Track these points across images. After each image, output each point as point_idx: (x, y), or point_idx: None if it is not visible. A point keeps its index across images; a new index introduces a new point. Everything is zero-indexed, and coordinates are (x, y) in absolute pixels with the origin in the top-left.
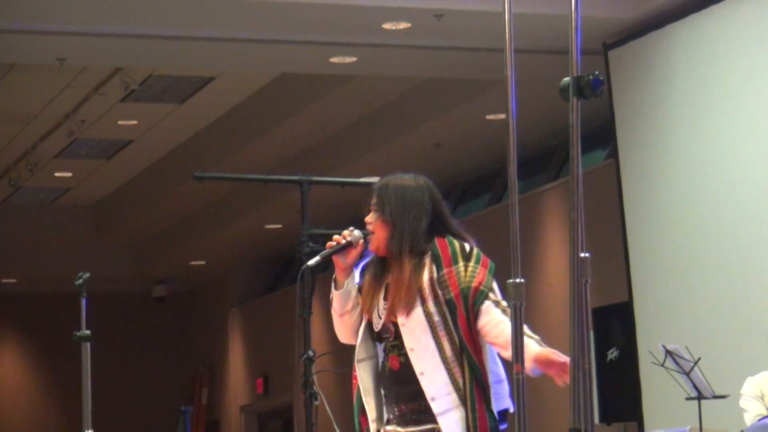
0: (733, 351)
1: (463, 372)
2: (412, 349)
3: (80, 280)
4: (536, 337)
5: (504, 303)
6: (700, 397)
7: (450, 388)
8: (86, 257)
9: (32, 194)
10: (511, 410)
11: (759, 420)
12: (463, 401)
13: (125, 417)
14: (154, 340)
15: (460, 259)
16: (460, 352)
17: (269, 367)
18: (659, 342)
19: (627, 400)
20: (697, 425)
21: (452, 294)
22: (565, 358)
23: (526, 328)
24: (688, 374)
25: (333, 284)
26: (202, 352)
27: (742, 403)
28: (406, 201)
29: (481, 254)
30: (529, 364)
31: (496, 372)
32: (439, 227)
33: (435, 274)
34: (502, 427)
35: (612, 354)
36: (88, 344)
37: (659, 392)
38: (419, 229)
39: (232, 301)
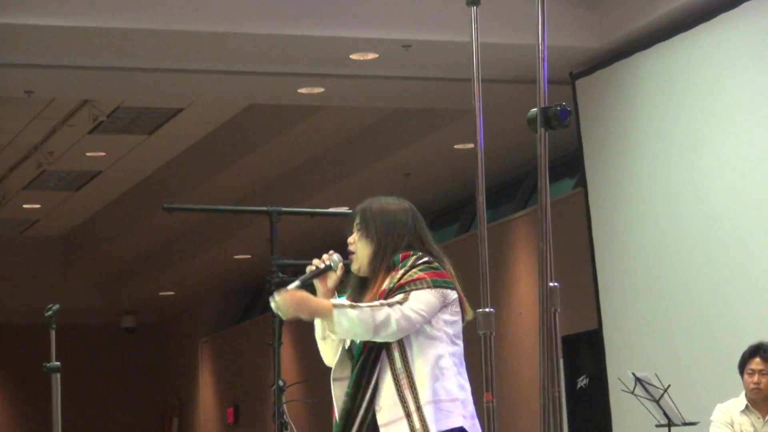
0: (703, 378)
1: (411, 384)
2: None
3: (50, 312)
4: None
5: (402, 305)
6: (670, 424)
7: (396, 398)
8: (55, 288)
9: (0, 225)
10: (467, 429)
11: None
12: (409, 414)
13: None
14: (124, 371)
15: (409, 264)
16: (406, 362)
17: (239, 396)
18: (629, 369)
19: (597, 428)
20: None
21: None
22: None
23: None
24: (658, 401)
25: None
26: (172, 382)
27: (713, 431)
28: (390, 221)
29: (439, 269)
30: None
31: (448, 389)
32: (417, 246)
33: (388, 284)
34: None
35: (582, 382)
36: (58, 375)
37: (629, 419)
38: (400, 247)
39: (202, 331)
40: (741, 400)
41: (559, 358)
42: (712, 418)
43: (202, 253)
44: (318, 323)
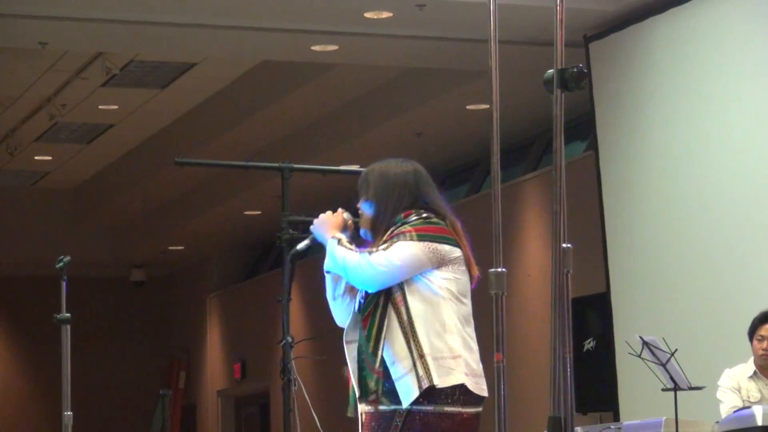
0: (711, 343)
1: (415, 338)
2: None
3: (61, 263)
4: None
5: (380, 250)
6: (676, 388)
7: (406, 352)
8: (65, 241)
9: (12, 177)
10: (469, 387)
11: (734, 412)
12: (420, 357)
13: (104, 400)
14: (132, 324)
15: (402, 222)
16: (409, 316)
17: (247, 352)
18: (636, 333)
19: (603, 391)
20: (673, 416)
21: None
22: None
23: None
24: (664, 365)
25: (326, 269)
26: (180, 337)
27: (719, 395)
28: (389, 183)
29: (437, 224)
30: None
31: (450, 346)
32: (420, 205)
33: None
34: (473, 409)
35: (588, 344)
36: (68, 327)
37: (635, 383)
38: (400, 208)
39: (211, 286)
40: (749, 366)
41: (569, 320)
42: (719, 383)
43: (213, 209)
44: (327, 280)
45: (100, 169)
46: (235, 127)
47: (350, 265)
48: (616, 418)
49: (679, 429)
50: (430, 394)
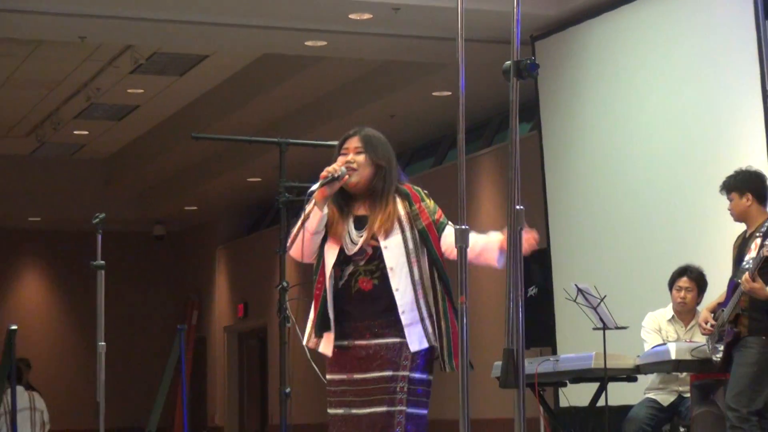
0: (635, 291)
1: (434, 291)
2: (391, 269)
3: (97, 219)
4: (483, 236)
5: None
6: (605, 327)
7: (414, 305)
8: (98, 201)
9: (55, 148)
10: None
11: (652, 347)
12: (429, 316)
13: (130, 334)
14: (154, 271)
15: (425, 198)
16: (429, 274)
17: (249, 295)
18: (572, 282)
19: (543, 329)
20: (602, 351)
21: (424, 224)
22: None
23: (474, 234)
24: (595, 309)
25: (314, 207)
26: (193, 282)
27: (643, 335)
28: (390, 152)
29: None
30: (495, 254)
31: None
32: (399, 177)
33: (408, 209)
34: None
35: (532, 291)
36: (102, 272)
37: (570, 323)
38: (396, 176)
39: (219, 240)
40: (668, 311)
41: (521, 269)
42: (643, 324)
43: (221, 175)
44: (318, 217)
45: (128, 143)
46: (241, 109)
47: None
48: (554, 352)
49: (607, 361)
50: None
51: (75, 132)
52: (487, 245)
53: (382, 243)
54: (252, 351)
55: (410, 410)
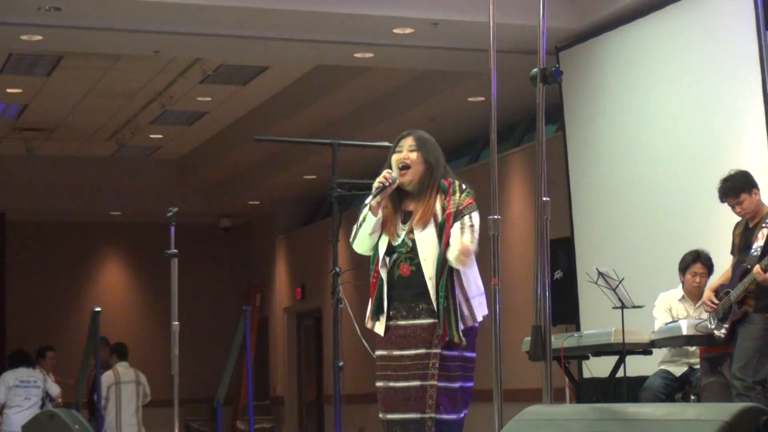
0: (648, 274)
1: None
2: (425, 259)
3: (170, 213)
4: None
5: (471, 225)
6: (623, 306)
7: (447, 291)
8: (171, 197)
9: (133, 150)
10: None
11: (665, 324)
12: (465, 300)
13: (201, 315)
14: (221, 259)
15: (457, 191)
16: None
17: (306, 279)
18: (593, 266)
19: (568, 308)
20: (620, 327)
21: (444, 216)
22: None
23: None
24: (614, 290)
25: (370, 212)
26: (256, 268)
27: (655, 313)
28: (439, 150)
29: (471, 193)
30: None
31: (479, 285)
32: (446, 174)
33: (443, 202)
34: (476, 325)
35: (557, 274)
36: (176, 260)
37: (592, 303)
38: (442, 174)
39: (279, 230)
40: (679, 291)
41: (548, 254)
42: (655, 303)
43: (281, 173)
44: (374, 221)
45: (197, 145)
46: (298, 114)
47: (463, 249)
48: (578, 328)
49: (625, 337)
50: None
51: (150, 136)
52: (454, 246)
53: (417, 236)
54: (308, 329)
55: (441, 384)
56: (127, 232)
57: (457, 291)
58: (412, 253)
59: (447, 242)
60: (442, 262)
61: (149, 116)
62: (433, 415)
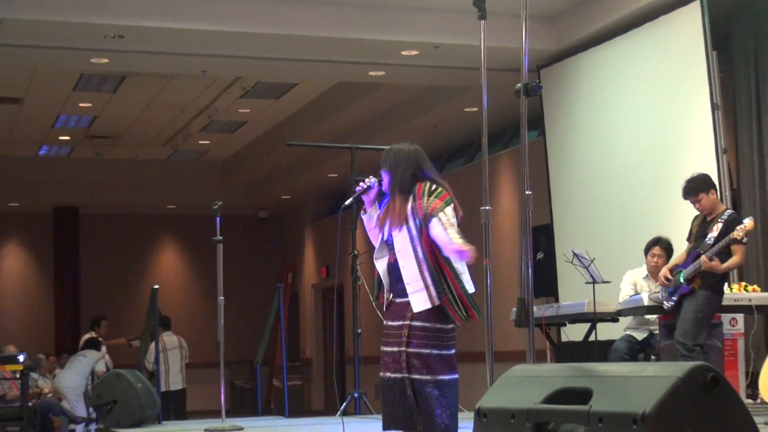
0: (616, 255)
1: (437, 264)
2: (399, 251)
3: (216, 206)
4: (444, 237)
5: (447, 221)
6: (594, 282)
7: (418, 277)
8: (217, 192)
9: (185, 154)
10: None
11: (629, 297)
12: (433, 283)
13: (242, 291)
14: (259, 244)
15: (425, 195)
16: (431, 253)
17: (330, 260)
18: (569, 248)
19: (548, 284)
20: (592, 299)
21: (420, 218)
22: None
23: (450, 232)
24: (587, 268)
25: (361, 212)
26: (288, 251)
27: (621, 286)
28: (399, 159)
29: (443, 192)
30: (453, 256)
31: (461, 269)
32: (420, 176)
33: (413, 204)
34: (446, 303)
35: (539, 255)
36: (221, 245)
37: (569, 279)
38: (405, 177)
39: (307, 220)
40: (643, 270)
41: (530, 239)
42: (623, 278)
43: (308, 172)
44: (363, 219)
45: (239, 149)
46: (322, 122)
47: (449, 245)
48: (557, 300)
49: (596, 307)
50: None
51: (199, 142)
52: (443, 247)
53: (393, 232)
54: (332, 302)
55: (411, 350)
56: (181, 222)
57: (427, 276)
58: (394, 246)
59: (428, 245)
60: (414, 255)
61: (198, 125)
62: (406, 375)
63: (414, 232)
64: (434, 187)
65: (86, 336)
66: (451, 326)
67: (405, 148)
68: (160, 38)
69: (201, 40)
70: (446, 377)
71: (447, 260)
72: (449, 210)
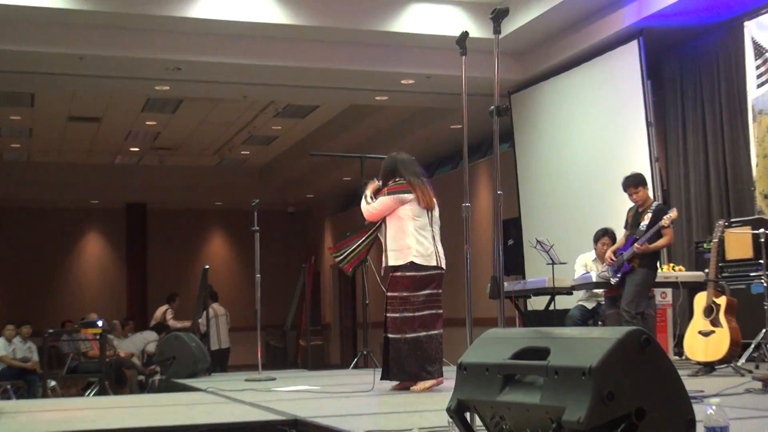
0: (571, 242)
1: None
2: (380, 233)
3: (254, 203)
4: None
5: (388, 199)
6: (553, 263)
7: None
8: (255, 192)
9: (230, 162)
10: (417, 262)
11: (581, 275)
12: (387, 257)
13: (275, 270)
14: (289, 233)
15: (390, 186)
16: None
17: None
18: (534, 236)
19: (517, 264)
20: (552, 276)
21: None
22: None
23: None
24: (547, 252)
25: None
26: (312, 238)
27: (575, 267)
28: (386, 165)
29: (401, 183)
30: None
31: (406, 242)
32: (396, 175)
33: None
34: (423, 273)
35: (510, 242)
36: (258, 234)
37: (533, 260)
38: (387, 179)
39: (326, 214)
40: (592, 254)
41: (501, 230)
42: (576, 260)
43: (327, 176)
44: (363, 205)
45: (272, 158)
46: (338, 137)
47: (362, 208)
48: (524, 277)
49: (555, 282)
50: (396, 268)
51: (241, 152)
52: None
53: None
54: (346, 279)
55: (387, 315)
56: (226, 216)
57: (384, 253)
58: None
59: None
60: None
61: (240, 139)
62: (385, 334)
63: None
64: (397, 180)
65: (161, 310)
66: (414, 293)
67: (390, 157)
68: (210, 70)
69: (242, 72)
70: (408, 335)
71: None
72: (390, 198)
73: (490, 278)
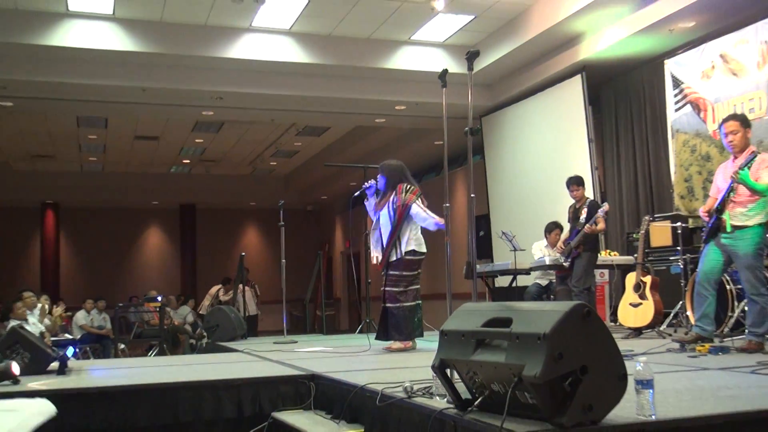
0: (528, 233)
1: (398, 234)
2: (383, 225)
3: (281, 204)
4: (433, 216)
5: (421, 205)
6: (515, 250)
7: (389, 241)
8: (281, 195)
9: (261, 171)
10: (422, 249)
11: (537, 259)
12: (400, 245)
13: (297, 256)
14: (307, 227)
15: (404, 191)
16: (399, 226)
17: (351, 237)
18: (500, 229)
19: (486, 250)
20: (514, 260)
21: (398, 206)
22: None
23: (428, 213)
24: (510, 241)
25: (365, 201)
26: (325, 231)
27: (532, 252)
28: (391, 170)
29: (414, 189)
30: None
31: (418, 237)
32: (403, 181)
33: (394, 198)
34: (406, 257)
35: (481, 233)
36: (283, 228)
37: (499, 248)
38: (394, 182)
39: (337, 212)
40: (544, 242)
41: (474, 224)
42: (533, 247)
43: (337, 182)
44: (368, 205)
45: (295, 167)
46: (346, 150)
47: (435, 219)
48: (492, 260)
49: (516, 264)
50: (413, 252)
51: (270, 163)
52: (424, 221)
53: (381, 212)
54: (351, 263)
55: (386, 288)
56: (259, 214)
57: (395, 241)
58: (380, 220)
59: (401, 217)
60: (389, 226)
61: (269, 153)
62: (385, 305)
63: (391, 212)
64: (409, 186)
65: (215, 288)
66: (409, 272)
67: (394, 163)
68: (245, 99)
69: (270, 100)
70: (399, 304)
71: (401, 229)
72: (419, 200)
73: (465, 262)
